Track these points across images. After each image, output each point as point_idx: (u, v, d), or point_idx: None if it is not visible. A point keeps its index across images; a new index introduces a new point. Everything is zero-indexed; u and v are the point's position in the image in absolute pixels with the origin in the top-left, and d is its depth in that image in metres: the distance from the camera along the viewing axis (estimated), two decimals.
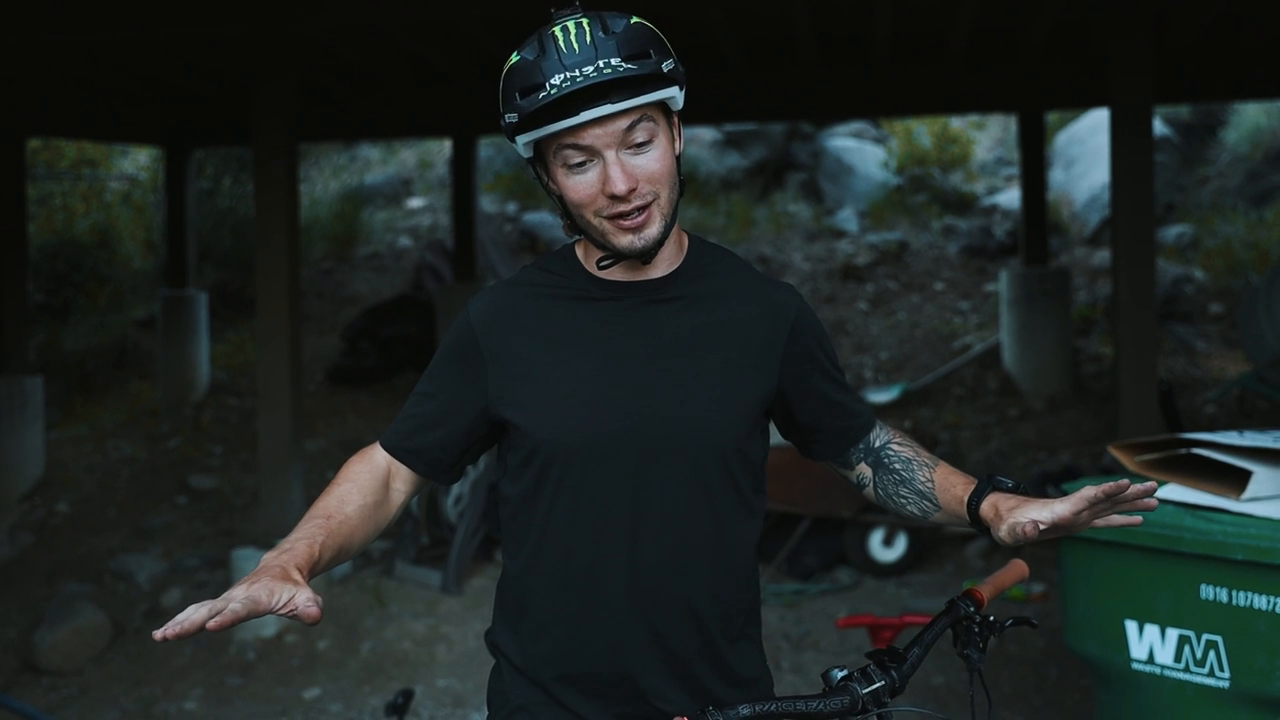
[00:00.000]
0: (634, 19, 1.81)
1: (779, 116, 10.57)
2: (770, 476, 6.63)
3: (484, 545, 6.75)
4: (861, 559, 6.60)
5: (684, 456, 1.88)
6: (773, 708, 1.86)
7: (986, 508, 1.91)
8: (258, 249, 6.45)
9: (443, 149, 13.78)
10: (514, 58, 1.81)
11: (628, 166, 1.79)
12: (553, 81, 1.73)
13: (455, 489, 6.75)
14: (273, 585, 1.58)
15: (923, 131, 13.19)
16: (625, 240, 1.83)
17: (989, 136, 13.79)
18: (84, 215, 12.55)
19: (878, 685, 1.95)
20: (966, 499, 1.95)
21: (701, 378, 1.90)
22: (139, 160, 14.06)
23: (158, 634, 1.49)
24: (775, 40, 7.85)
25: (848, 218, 12.34)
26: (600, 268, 1.92)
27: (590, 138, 1.77)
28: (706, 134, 13.32)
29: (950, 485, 2.02)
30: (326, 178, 13.98)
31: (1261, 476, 3.21)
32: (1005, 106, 9.82)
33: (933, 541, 6.88)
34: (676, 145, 1.87)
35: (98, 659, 6.35)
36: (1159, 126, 12.35)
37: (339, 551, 1.81)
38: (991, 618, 2.13)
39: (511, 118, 1.79)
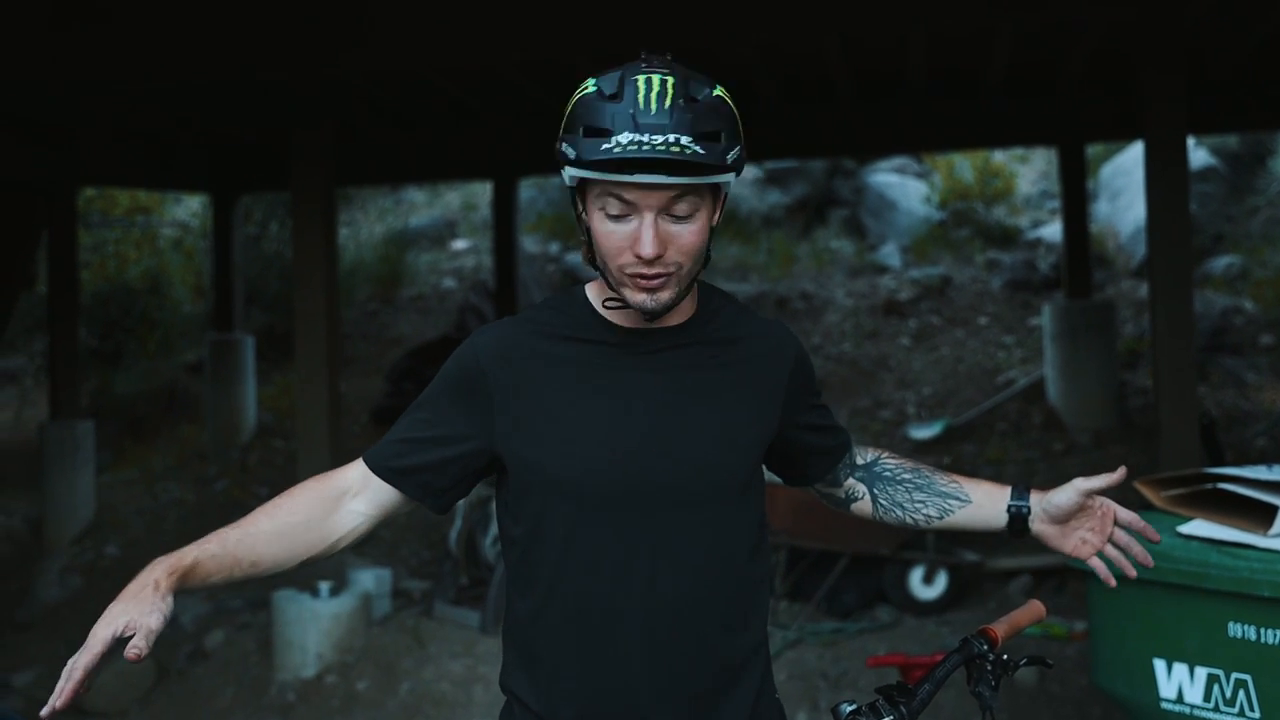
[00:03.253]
0: (718, 90, 1.81)
1: (817, 153, 10.58)
2: (807, 515, 6.56)
3: None
4: (901, 597, 6.54)
5: (695, 500, 1.89)
6: None
7: (1035, 495, 2.12)
8: (296, 291, 6.54)
9: (486, 191, 13.91)
10: (590, 86, 1.80)
11: (662, 232, 1.79)
12: (620, 140, 1.72)
13: (493, 528, 6.77)
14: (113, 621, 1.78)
15: (965, 165, 13.14)
16: (639, 298, 1.84)
17: (1033, 170, 13.72)
18: (136, 262, 12.77)
19: (888, 719, 1.95)
20: (1011, 488, 2.15)
21: (710, 422, 1.91)
22: (191, 207, 14.30)
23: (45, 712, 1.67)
24: (811, 78, 7.87)
25: (890, 253, 12.30)
26: (606, 306, 1.93)
27: (635, 195, 1.77)
28: (748, 171, 13.35)
29: (980, 484, 2.18)
30: (372, 220, 14.14)
31: None
32: (1044, 140, 9.77)
33: (974, 579, 6.81)
34: (715, 219, 1.88)
35: (142, 700, 6.42)
36: (1206, 157, 12.24)
37: (236, 564, 1.88)
38: (1005, 656, 2.13)
39: (569, 152, 1.79)
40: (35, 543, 8.86)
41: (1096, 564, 2.15)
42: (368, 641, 6.46)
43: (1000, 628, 2.17)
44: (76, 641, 6.35)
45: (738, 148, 1.81)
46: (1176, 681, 3.25)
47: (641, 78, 1.76)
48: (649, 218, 1.77)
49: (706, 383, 1.93)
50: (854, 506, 2.20)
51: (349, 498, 1.97)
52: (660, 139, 1.71)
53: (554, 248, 13.15)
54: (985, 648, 2.11)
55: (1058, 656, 5.75)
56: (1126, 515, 2.12)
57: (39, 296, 11.34)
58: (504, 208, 10.13)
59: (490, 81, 7.51)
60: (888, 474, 2.18)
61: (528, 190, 12.96)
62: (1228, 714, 3.13)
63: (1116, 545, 2.14)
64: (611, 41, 5.78)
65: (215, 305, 10.59)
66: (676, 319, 1.95)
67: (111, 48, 6.18)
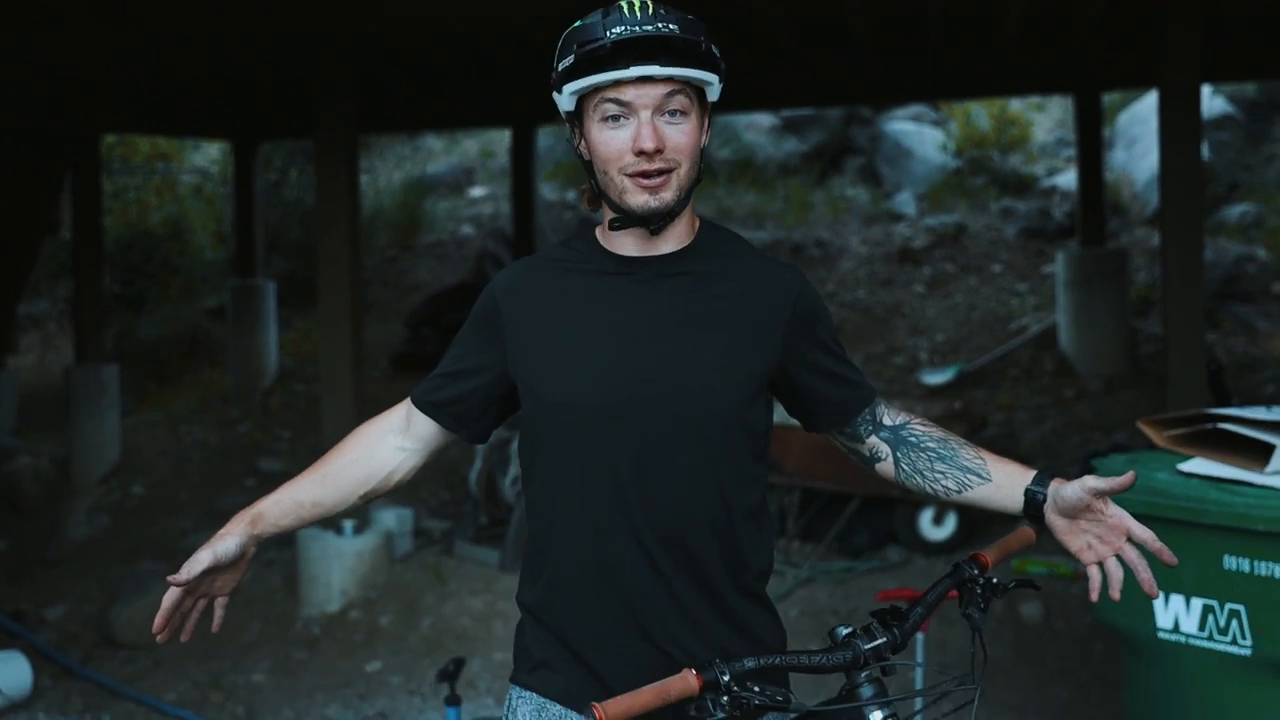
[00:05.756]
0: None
1: (833, 101, 10.61)
2: (820, 457, 6.69)
3: None
4: (911, 537, 6.68)
5: (687, 423, 1.99)
6: (778, 660, 1.98)
7: (1055, 483, 2.06)
8: (320, 238, 6.66)
9: (504, 139, 13.97)
10: (577, 23, 1.96)
11: (659, 129, 1.93)
12: (613, 31, 1.89)
13: (513, 469, 6.92)
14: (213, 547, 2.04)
15: (981, 114, 13.15)
16: (641, 199, 1.95)
17: (1049, 118, 13.72)
18: (157, 208, 12.90)
19: (879, 641, 2.06)
20: (1035, 473, 2.10)
21: (706, 349, 2.01)
22: (210, 154, 14.40)
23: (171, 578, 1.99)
24: (828, 25, 7.91)
25: (906, 201, 12.35)
26: (611, 229, 2.04)
27: (631, 94, 1.91)
28: (764, 120, 13.38)
29: (1004, 463, 2.14)
30: (390, 168, 14.23)
31: None
32: (1060, 88, 9.80)
33: (982, 520, 6.93)
34: (704, 135, 2.00)
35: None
36: (1223, 105, 12.23)
37: (300, 507, 2.13)
38: (995, 580, 2.22)
39: (566, 62, 1.94)
40: (62, 483, 9.04)
41: (1092, 573, 2.09)
42: (390, 578, 6.64)
43: (991, 553, 2.25)
44: (106, 577, 6.63)
45: (718, 51, 1.97)
46: (1173, 612, 3.37)
47: (624, 2, 1.94)
48: (645, 115, 1.92)
49: (701, 311, 2.03)
50: (878, 466, 2.23)
51: (395, 435, 2.15)
52: (650, 26, 1.90)
53: (571, 195, 13.23)
54: (975, 572, 2.18)
55: (1063, 595, 5.89)
56: (1142, 533, 2.05)
57: (62, 242, 11.50)
58: (522, 155, 10.21)
59: (508, 31, 7.57)
60: (913, 439, 2.19)
61: (545, 138, 13.02)
62: (1221, 642, 3.26)
63: (1124, 562, 2.08)
64: None
65: (237, 251, 10.72)
66: (673, 244, 2.05)
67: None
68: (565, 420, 2.00)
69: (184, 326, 11.60)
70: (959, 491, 2.17)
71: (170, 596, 2.01)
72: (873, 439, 2.20)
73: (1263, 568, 3.17)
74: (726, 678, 1.85)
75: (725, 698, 1.84)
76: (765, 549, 2.14)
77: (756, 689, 1.87)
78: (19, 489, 8.77)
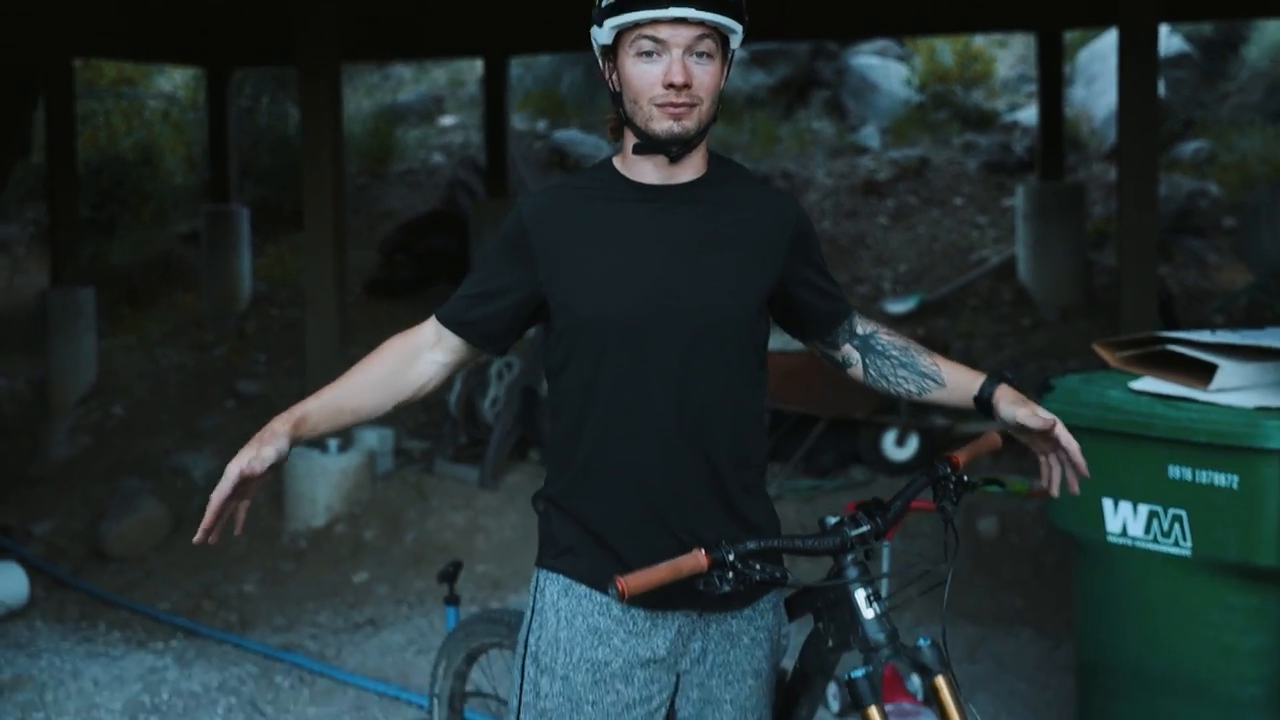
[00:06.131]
0: None
1: (800, 35, 10.77)
2: (789, 380, 6.99)
3: (518, 445, 7.14)
4: (875, 458, 6.97)
5: (708, 334, 2.25)
6: (776, 544, 2.24)
7: (1000, 393, 2.38)
8: (305, 166, 6.80)
9: (474, 68, 14.02)
10: None
11: (688, 67, 2.15)
12: None
13: (491, 391, 7.15)
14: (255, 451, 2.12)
15: (945, 50, 13.34)
16: (665, 125, 2.18)
17: (1011, 54, 13.93)
18: (126, 133, 12.89)
19: (863, 529, 2.34)
20: (980, 383, 2.41)
21: (722, 268, 2.26)
22: (175, 79, 14.36)
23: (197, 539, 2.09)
24: None
25: (870, 134, 12.56)
26: (634, 153, 2.26)
27: (666, 33, 2.14)
28: None
29: (956, 369, 2.47)
30: (360, 96, 14.25)
31: (1227, 370, 3.54)
32: (1023, 25, 10.00)
33: (944, 442, 7.23)
34: (723, 78, 2.24)
35: (160, 547, 6.82)
36: (1180, 44, 12.48)
37: (339, 413, 2.28)
38: (965, 477, 2.50)
39: (610, 3, 2.16)
40: (40, 404, 9.18)
41: (1042, 462, 2.39)
42: (373, 495, 6.87)
43: (961, 455, 2.51)
44: (90, 494, 6.84)
45: (744, 7, 2.22)
46: (1122, 517, 3.66)
47: None
48: (677, 53, 2.14)
49: (716, 234, 2.27)
50: (849, 371, 2.53)
51: (427, 350, 2.34)
52: None
53: (541, 125, 13.34)
54: (948, 470, 2.48)
55: (1018, 511, 6.21)
56: (1068, 444, 2.33)
57: (31, 166, 11.51)
58: (495, 85, 10.32)
59: None
60: (879, 347, 2.48)
61: (516, 68, 13.09)
62: (1164, 544, 3.55)
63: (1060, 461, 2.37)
64: None
65: (210, 177, 10.79)
66: (690, 174, 2.28)
67: None
68: (597, 333, 2.22)
69: (156, 251, 11.68)
70: (919, 394, 2.48)
71: (220, 495, 2.09)
72: (846, 347, 2.50)
73: (1203, 476, 3.46)
74: (731, 557, 2.11)
75: (730, 574, 2.10)
76: (763, 448, 2.41)
77: (757, 567, 2.13)
78: None
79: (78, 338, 9.34)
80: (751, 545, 2.16)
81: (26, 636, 5.69)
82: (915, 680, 4.71)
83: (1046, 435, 2.33)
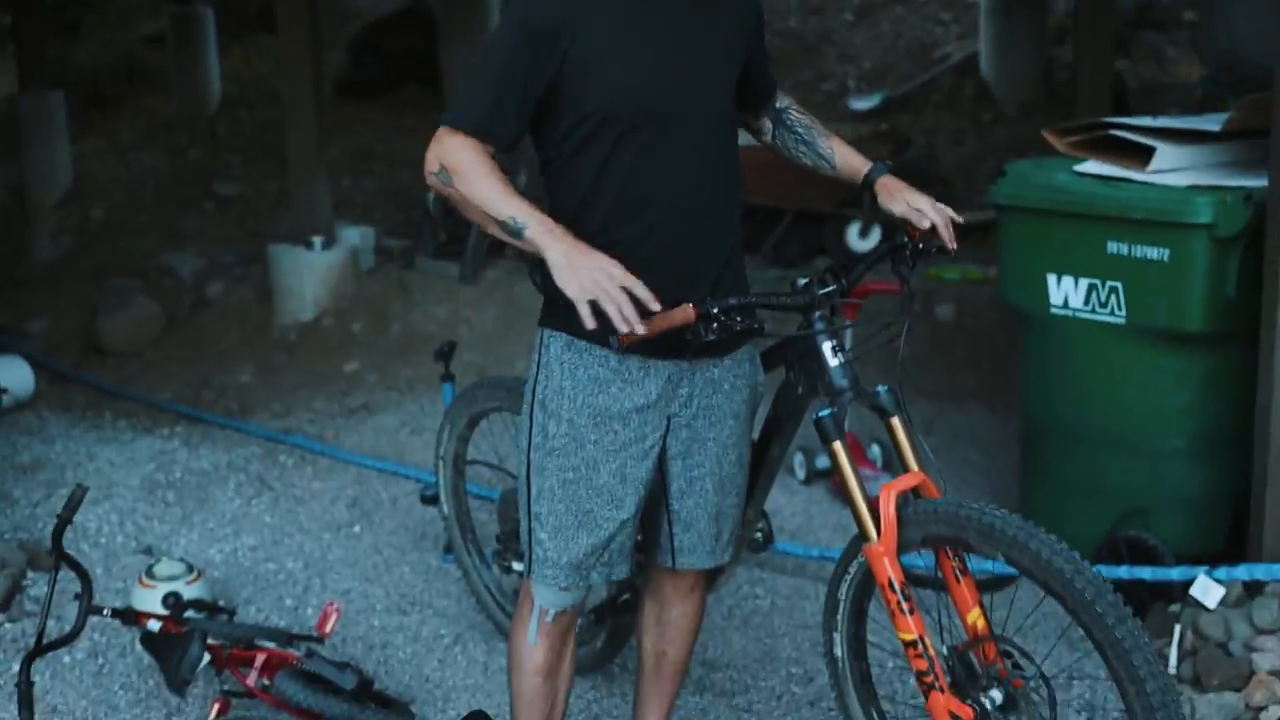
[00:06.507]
0: None
1: None
2: (758, 174, 7.27)
3: (496, 242, 7.38)
4: (839, 249, 7.28)
5: (711, 115, 2.57)
6: (753, 300, 2.55)
7: (881, 183, 2.81)
8: None
9: None
10: None
11: None
12: None
13: None
14: None
15: None
16: None
17: None
18: None
19: (830, 288, 2.65)
20: (865, 171, 2.83)
21: (715, 54, 2.56)
22: None
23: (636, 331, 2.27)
24: None
25: None
26: None
27: None
28: None
29: (848, 155, 2.86)
30: None
31: (1164, 152, 3.84)
32: None
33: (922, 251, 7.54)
34: None
35: (155, 343, 7.10)
36: None
37: None
38: (920, 245, 2.82)
39: None
40: (18, 209, 9.30)
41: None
42: (358, 289, 7.13)
43: (918, 230, 2.84)
44: (79, 293, 7.10)
45: None
46: (1064, 291, 3.99)
47: None
48: None
49: (708, 26, 2.56)
50: (763, 138, 2.93)
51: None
52: None
53: None
54: (905, 240, 2.81)
55: (973, 297, 6.55)
56: (938, 217, 2.76)
57: None
58: None
59: None
60: (789, 122, 2.90)
61: None
62: (1101, 314, 3.90)
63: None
64: None
65: None
66: None
67: None
68: (623, 116, 2.45)
69: (121, 54, 11.61)
70: (813, 168, 2.89)
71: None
72: (765, 119, 2.90)
73: (1138, 250, 3.78)
74: (715, 310, 2.42)
75: (715, 324, 2.41)
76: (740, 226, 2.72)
77: (738, 319, 2.44)
78: None
79: (50, 141, 9.38)
80: (733, 301, 2.47)
81: (37, 425, 5.99)
82: (875, 449, 5.13)
83: (922, 219, 2.74)
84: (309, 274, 6.96)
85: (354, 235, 7.34)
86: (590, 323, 2.25)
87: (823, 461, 4.99)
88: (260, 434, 5.80)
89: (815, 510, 4.93)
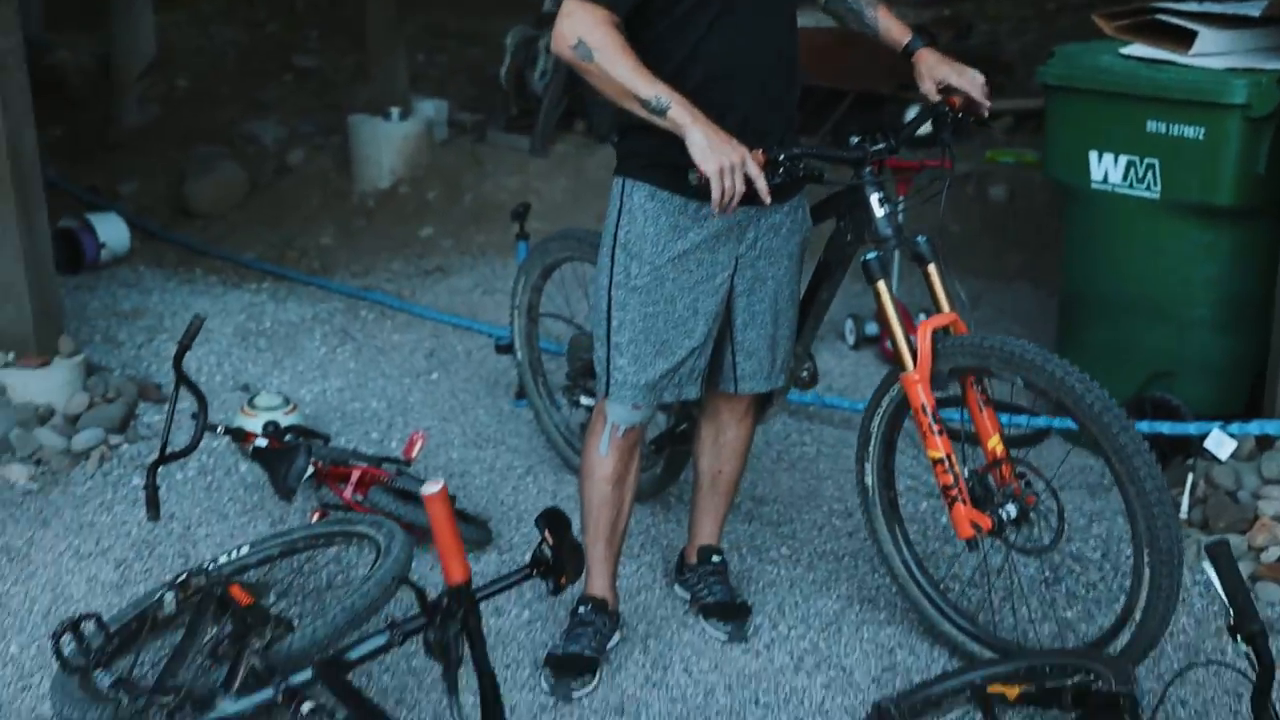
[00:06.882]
0: None
1: None
2: (819, 55, 7.47)
3: (565, 115, 7.65)
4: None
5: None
6: (813, 150, 2.86)
7: (920, 54, 3.12)
8: None
9: None
10: None
11: None
12: None
13: (541, 64, 7.60)
14: None
15: None
16: None
17: None
18: None
19: (880, 146, 2.95)
20: (905, 42, 3.14)
21: None
22: None
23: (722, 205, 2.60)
24: None
25: None
26: None
27: None
28: None
29: (891, 26, 3.16)
30: None
31: (1206, 36, 4.04)
32: None
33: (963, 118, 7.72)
34: None
35: (240, 206, 7.48)
36: None
37: None
38: (961, 115, 3.10)
39: None
40: (104, 78, 9.65)
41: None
42: (432, 160, 7.45)
43: (958, 97, 3.12)
44: (167, 157, 7.50)
45: None
46: (1104, 167, 4.24)
47: None
48: None
49: None
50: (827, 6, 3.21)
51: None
52: None
53: None
54: (947, 108, 3.09)
55: (1026, 181, 6.76)
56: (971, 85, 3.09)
57: None
58: None
59: None
60: None
61: None
62: (1138, 189, 4.14)
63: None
64: None
65: None
66: None
67: None
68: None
69: None
70: (858, 33, 3.19)
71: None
72: None
73: (1175, 129, 4.01)
74: (782, 157, 2.72)
75: (781, 169, 2.72)
76: None
77: (800, 165, 2.75)
78: (65, 80, 9.42)
79: (135, 12, 9.67)
80: (796, 150, 2.78)
81: (134, 278, 6.40)
82: (922, 318, 5.42)
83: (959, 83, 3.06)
84: (386, 143, 7.28)
85: (429, 108, 7.64)
86: (716, 197, 2.54)
87: (871, 328, 5.30)
88: (342, 290, 6.18)
89: (863, 373, 5.24)
